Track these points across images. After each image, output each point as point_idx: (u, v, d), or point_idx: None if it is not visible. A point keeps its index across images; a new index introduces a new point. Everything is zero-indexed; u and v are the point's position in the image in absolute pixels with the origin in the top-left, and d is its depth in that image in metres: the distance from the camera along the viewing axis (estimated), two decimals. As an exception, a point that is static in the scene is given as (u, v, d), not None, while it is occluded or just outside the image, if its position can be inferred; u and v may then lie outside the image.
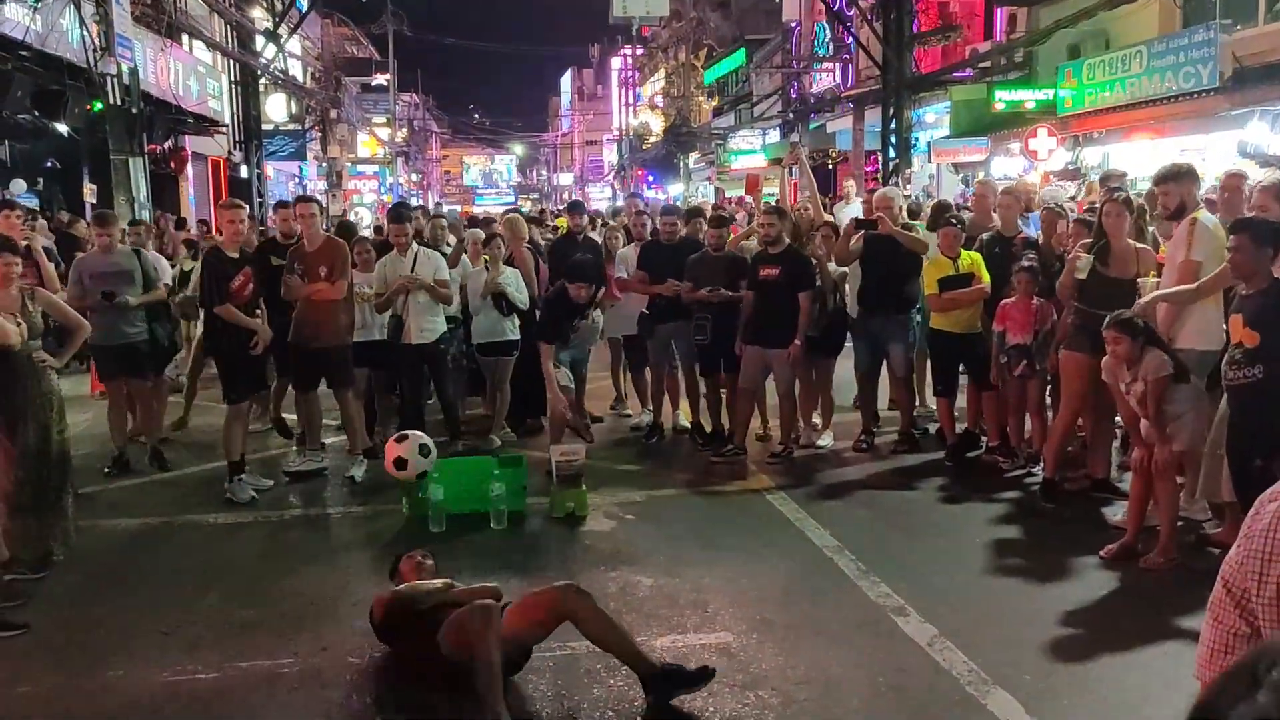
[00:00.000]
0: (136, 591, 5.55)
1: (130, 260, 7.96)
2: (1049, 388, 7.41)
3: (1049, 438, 6.89)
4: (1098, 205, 7.01)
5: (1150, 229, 7.01)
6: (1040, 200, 9.48)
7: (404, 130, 52.84)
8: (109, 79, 11.89)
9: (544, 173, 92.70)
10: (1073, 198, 13.80)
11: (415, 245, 8.20)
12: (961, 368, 7.86)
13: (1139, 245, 6.54)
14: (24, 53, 11.97)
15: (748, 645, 4.65)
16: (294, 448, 8.21)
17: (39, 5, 11.80)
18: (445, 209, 20.20)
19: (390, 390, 8.64)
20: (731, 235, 9.17)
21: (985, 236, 7.94)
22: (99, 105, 12.08)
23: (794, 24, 32.33)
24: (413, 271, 7.94)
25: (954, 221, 7.79)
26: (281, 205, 9.45)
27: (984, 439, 7.78)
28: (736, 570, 5.61)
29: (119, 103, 12.08)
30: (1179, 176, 6.34)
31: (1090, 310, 6.38)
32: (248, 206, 8.31)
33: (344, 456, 7.92)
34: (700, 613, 5.05)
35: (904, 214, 8.47)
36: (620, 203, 31.40)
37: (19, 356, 5.72)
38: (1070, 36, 17.54)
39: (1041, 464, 7.03)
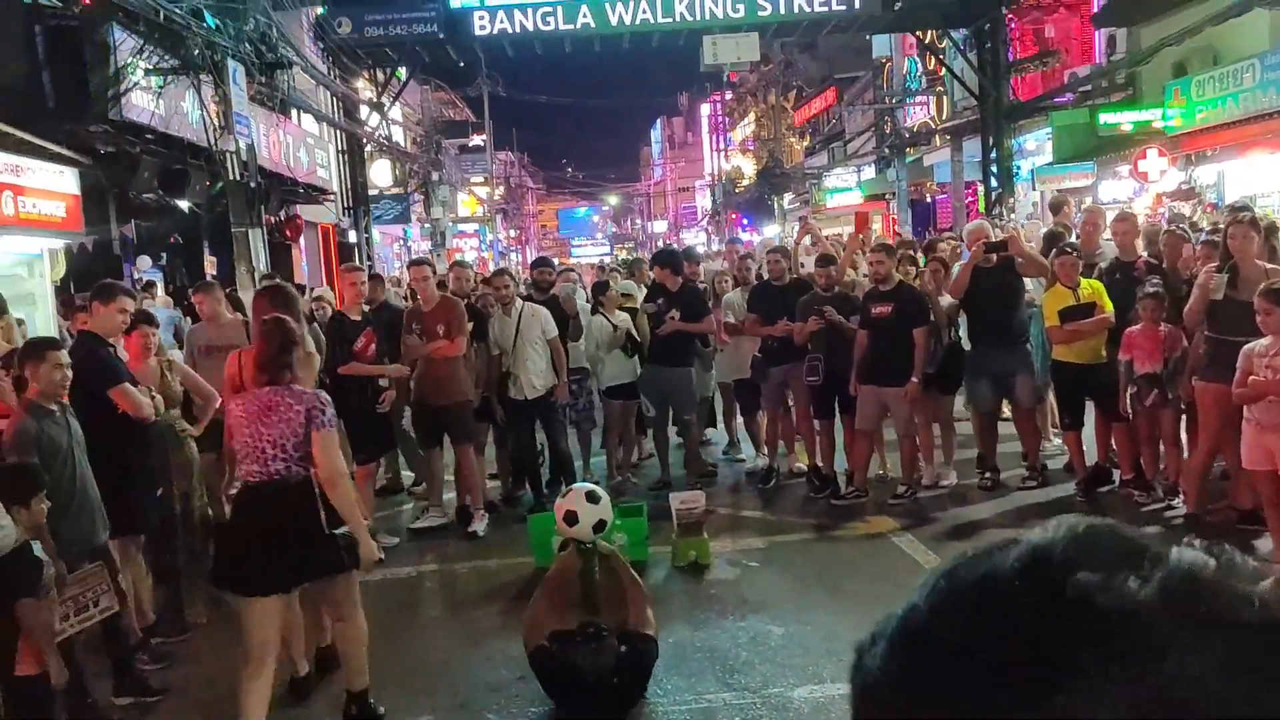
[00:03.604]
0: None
1: (239, 334, 7.41)
2: (1183, 417, 7.12)
3: (1188, 471, 6.61)
4: (1221, 228, 6.78)
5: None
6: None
7: (501, 188, 54.02)
8: (228, 155, 12.42)
9: (639, 221, 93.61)
10: (1189, 218, 13.41)
11: (520, 301, 8.31)
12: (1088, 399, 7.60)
13: (1269, 265, 6.28)
14: (149, 135, 12.60)
15: (888, 694, 4.53)
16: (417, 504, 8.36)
17: (162, 90, 12.44)
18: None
19: (501, 444, 8.72)
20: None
21: (1104, 264, 7.74)
22: (219, 186, 12.67)
23: (885, 59, 32.18)
24: (519, 327, 8.02)
25: (1069, 250, 7.60)
26: (458, 265, 9.92)
27: (1116, 472, 7.51)
28: (868, 617, 5.32)
29: (238, 177, 12.61)
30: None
31: (1221, 337, 6.14)
32: (366, 268, 8.54)
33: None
34: (836, 662, 4.93)
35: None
36: (717, 247, 31.50)
37: (159, 426, 5.96)
38: (1174, 54, 17.07)
39: (1181, 497, 6.75)
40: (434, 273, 8.21)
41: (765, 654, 5.09)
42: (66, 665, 4.38)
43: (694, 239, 57.51)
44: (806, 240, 10.62)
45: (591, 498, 6.06)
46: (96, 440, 5.11)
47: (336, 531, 4.41)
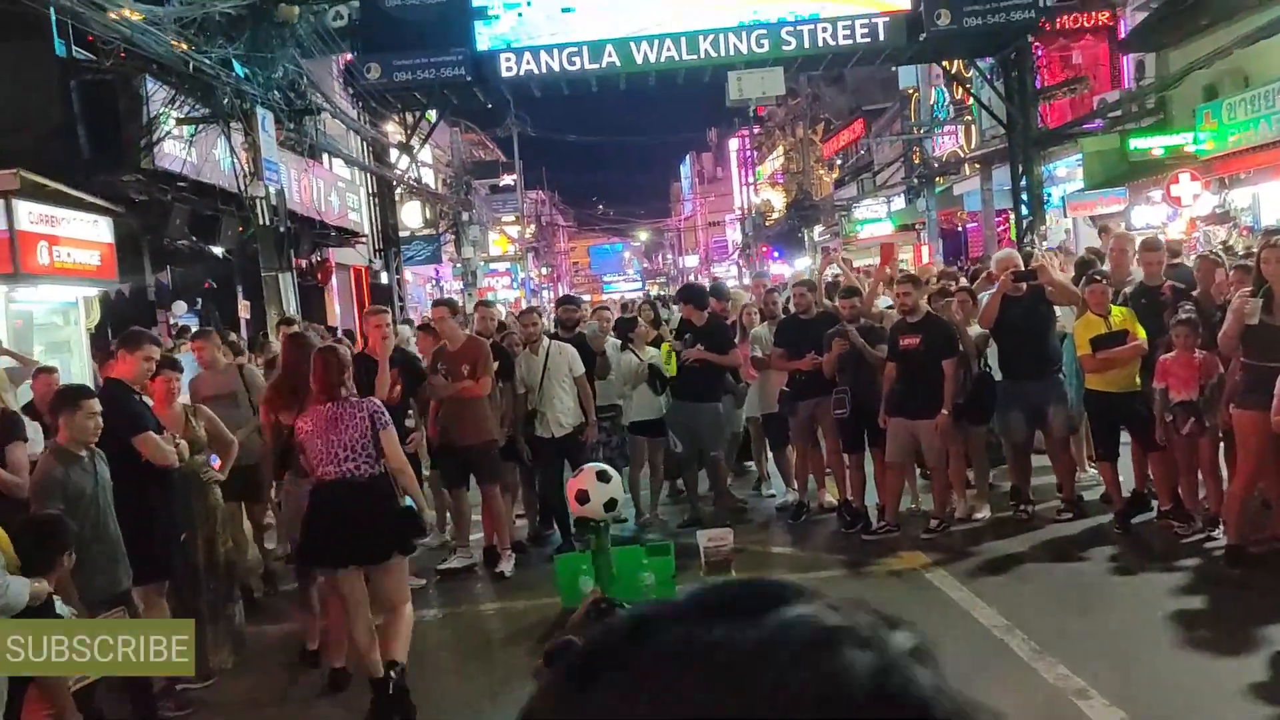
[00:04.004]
0: (302, 696, 5.65)
1: (234, 380, 7.58)
2: (1221, 445, 6.96)
3: (1227, 501, 6.45)
4: (1256, 252, 6.66)
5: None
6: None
7: (532, 226, 54.35)
8: (258, 201, 12.58)
9: (669, 256, 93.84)
10: (1224, 242, 13.22)
11: (546, 339, 8.31)
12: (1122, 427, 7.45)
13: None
14: (181, 184, 12.81)
15: (920, 736, 4.41)
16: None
17: (193, 138, 12.65)
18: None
19: (528, 484, 8.67)
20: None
21: (1129, 289, 7.61)
22: (250, 231, 12.83)
23: (912, 90, 32.17)
24: (546, 366, 8.02)
25: (1099, 278, 7.49)
26: (482, 305, 10.03)
27: (1153, 502, 7.34)
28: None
29: (267, 223, 12.75)
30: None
31: (1258, 363, 6.01)
32: (390, 311, 8.59)
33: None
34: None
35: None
36: (746, 281, 31.49)
37: (183, 472, 5.97)
38: (1204, 77, 16.92)
39: (1221, 527, 6.58)
40: (453, 313, 8.18)
41: (794, 695, 4.99)
42: (87, 715, 4.36)
43: (725, 273, 57.48)
44: (832, 270, 10.57)
45: (603, 477, 6.27)
46: (120, 486, 5.13)
47: (407, 505, 5.38)
